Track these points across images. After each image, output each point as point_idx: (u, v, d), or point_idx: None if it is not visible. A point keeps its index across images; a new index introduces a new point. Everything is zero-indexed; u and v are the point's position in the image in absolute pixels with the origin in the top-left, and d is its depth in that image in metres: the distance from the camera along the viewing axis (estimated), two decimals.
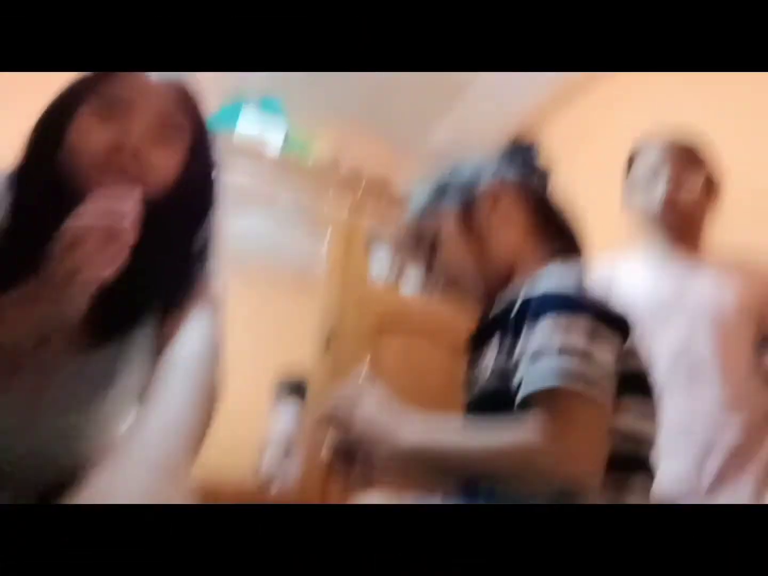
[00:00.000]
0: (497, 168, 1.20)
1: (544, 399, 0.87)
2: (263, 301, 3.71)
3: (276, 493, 3.12)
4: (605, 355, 0.91)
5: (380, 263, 3.24)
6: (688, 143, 1.84)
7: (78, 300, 0.89)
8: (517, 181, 1.18)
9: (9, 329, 0.91)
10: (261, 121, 3.13)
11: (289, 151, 3.13)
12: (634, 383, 0.98)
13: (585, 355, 0.89)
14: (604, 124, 2.97)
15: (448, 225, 1.18)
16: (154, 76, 0.95)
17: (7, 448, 1.03)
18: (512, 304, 1.02)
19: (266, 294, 3.73)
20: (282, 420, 3.59)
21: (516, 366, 0.94)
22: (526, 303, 0.98)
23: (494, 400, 0.99)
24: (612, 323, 0.95)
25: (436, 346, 3.13)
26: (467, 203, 1.18)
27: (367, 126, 3.62)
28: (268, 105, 3.21)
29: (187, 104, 1.01)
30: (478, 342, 1.10)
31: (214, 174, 1.07)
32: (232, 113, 3.08)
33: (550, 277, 1.01)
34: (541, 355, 0.90)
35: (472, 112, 3.49)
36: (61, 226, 0.88)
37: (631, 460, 0.95)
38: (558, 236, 1.16)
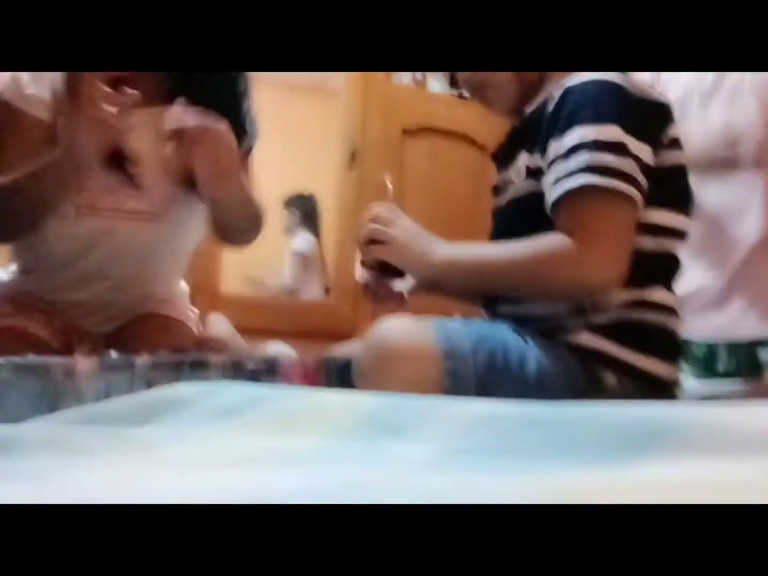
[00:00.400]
0: None
1: (574, 199, 0.87)
2: (283, 108, 3.59)
3: (304, 303, 3.18)
4: (639, 152, 0.89)
5: None
6: None
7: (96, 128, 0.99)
8: None
9: None
10: None
11: None
12: (669, 179, 0.94)
13: (620, 149, 0.87)
14: None
15: None
16: None
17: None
18: (547, 101, 0.96)
19: (285, 99, 3.59)
20: (299, 237, 3.59)
21: (550, 165, 0.91)
22: (564, 96, 0.92)
23: (528, 202, 0.96)
24: (643, 129, 0.90)
25: (464, 146, 3.04)
26: None
27: None
28: None
29: None
30: (508, 150, 1.05)
31: None
32: None
33: (592, 74, 0.93)
34: (573, 152, 0.87)
35: None
36: None
37: (655, 265, 0.94)
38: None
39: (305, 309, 2.95)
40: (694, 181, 0.98)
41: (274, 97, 3.55)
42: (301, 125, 3.53)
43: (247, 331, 2.32)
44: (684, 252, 0.99)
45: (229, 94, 1.19)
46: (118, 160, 1.10)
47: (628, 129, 0.88)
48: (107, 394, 0.76)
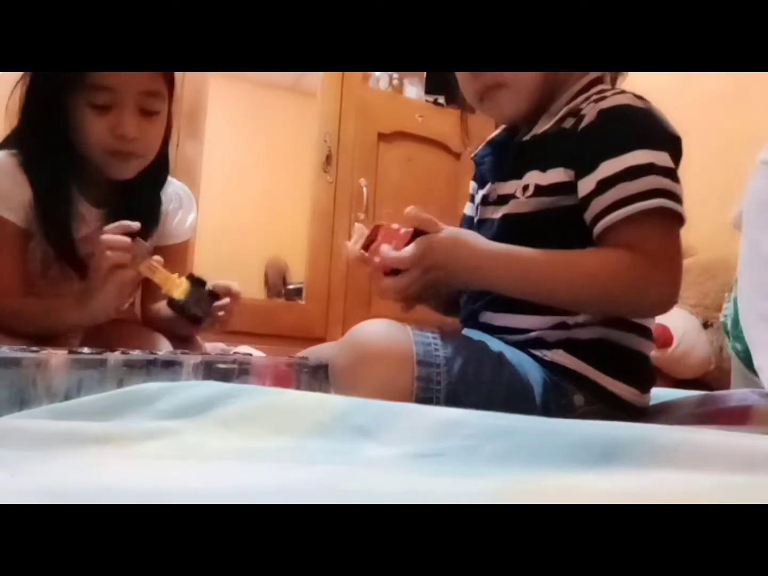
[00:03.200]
0: None
1: (644, 219, 0.88)
2: (259, 106, 3.58)
3: (277, 304, 3.19)
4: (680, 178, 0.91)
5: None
6: None
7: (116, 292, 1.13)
8: None
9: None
10: None
11: None
12: None
13: (671, 174, 0.89)
14: None
15: None
16: None
17: None
18: (568, 122, 0.97)
19: (262, 100, 3.59)
20: None
21: (603, 185, 0.90)
22: (604, 118, 0.92)
23: (533, 218, 0.96)
24: (677, 158, 0.93)
25: (439, 153, 3.07)
26: None
27: None
28: None
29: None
30: (509, 164, 1.03)
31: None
32: None
33: (621, 98, 0.94)
34: (636, 175, 0.88)
35: None
36: (76, 198, 1.25)
37: None
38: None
39: (278, 310, 2.95)
40: None
41: (251, 94, 3.55)
42: (277, 124, 3.53)
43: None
44: None
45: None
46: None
47: (672, 156, 0.91)
48: (78, 391, 0.77)
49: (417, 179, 2.98)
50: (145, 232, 1.32)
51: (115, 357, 0.82)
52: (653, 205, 0.87)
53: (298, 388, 0.94)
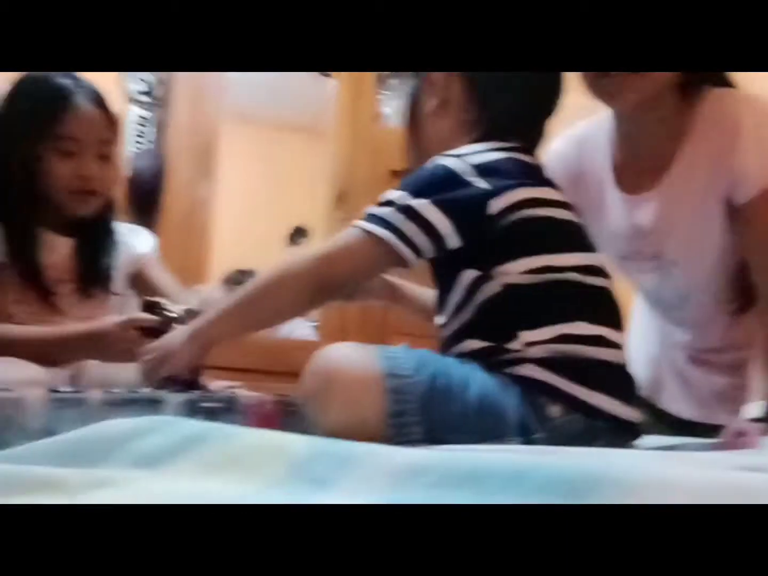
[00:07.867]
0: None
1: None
2: (271, 147, 3.63)
3: (291, 342, 3.19)
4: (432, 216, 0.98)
5: (392, 106, 3.11)
6: None
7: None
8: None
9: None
10: None
11: None
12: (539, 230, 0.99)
13: (404, 208, 0.98)
14: None
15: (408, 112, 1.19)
16: (89, 108, 1.39)
17: None
18: None
19: (274, 141, 3.64)
20: None
21: None
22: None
23: None
24: (455, 212, 0.97)
25: None
26: (414, 93, 1.15)
27: None
28: None
29: (111, 121, 1.45)
30: None
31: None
32: None
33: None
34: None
35: None
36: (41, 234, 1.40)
37: (571, 299, 0.97)
38: (501, 133, 1.06)
39: (291, 348, 2.94)
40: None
41: (263, 136, 3.60)
42: (289, 164, 3.57)
43: (232, 370, 2.32)
44: None
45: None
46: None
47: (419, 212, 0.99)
48: (57, 430, 0.76)
49: None
50: (109, 259, 1.50)
51: (94, 396, 0.81)
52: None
53: (283, 427, 0.94)
